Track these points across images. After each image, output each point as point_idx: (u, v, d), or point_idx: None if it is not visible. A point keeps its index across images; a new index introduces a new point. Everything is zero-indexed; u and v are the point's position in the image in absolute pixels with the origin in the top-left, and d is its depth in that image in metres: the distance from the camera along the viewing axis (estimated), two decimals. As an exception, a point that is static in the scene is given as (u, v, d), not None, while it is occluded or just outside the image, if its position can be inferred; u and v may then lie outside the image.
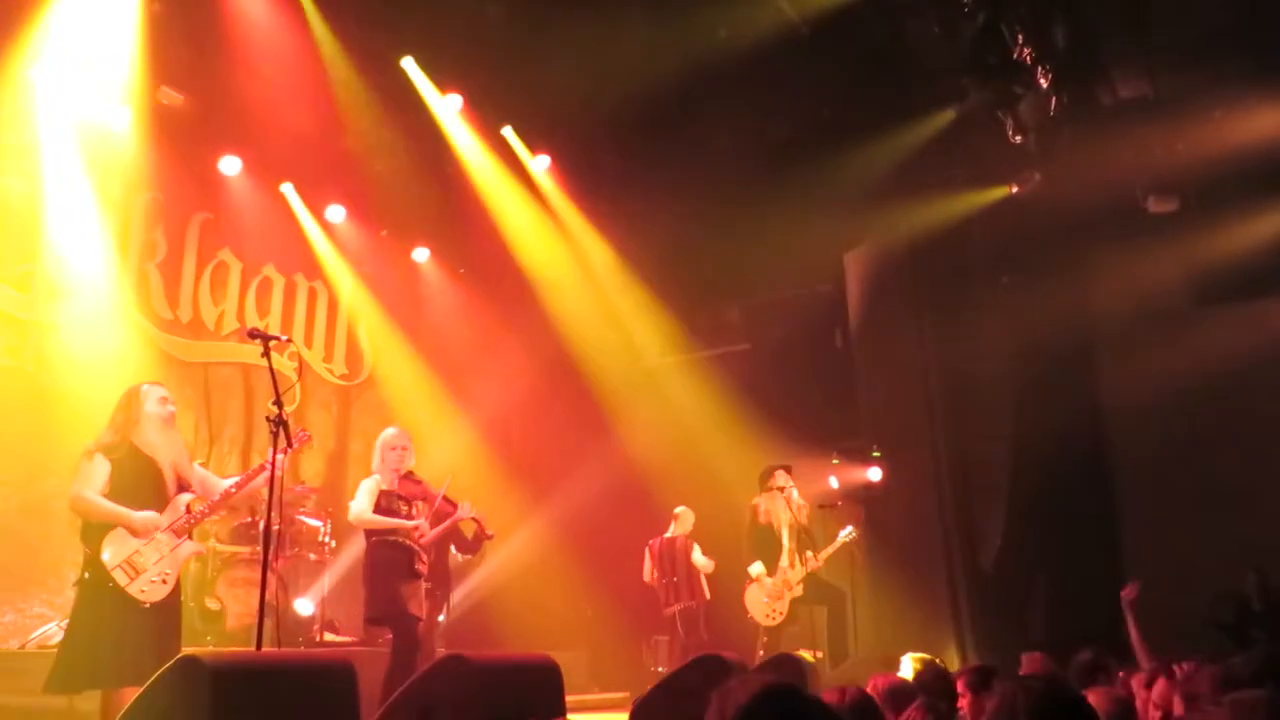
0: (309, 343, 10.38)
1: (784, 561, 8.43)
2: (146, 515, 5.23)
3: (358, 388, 10.78)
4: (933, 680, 4.65)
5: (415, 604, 6.53)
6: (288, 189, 9.98)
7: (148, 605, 5.15)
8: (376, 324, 10.84)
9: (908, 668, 4.82)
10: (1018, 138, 9.14)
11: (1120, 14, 8.24)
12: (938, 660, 5.04)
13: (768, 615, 8.35)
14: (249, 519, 7.92)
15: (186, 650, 4.64)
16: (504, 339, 11.40)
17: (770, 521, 8.50)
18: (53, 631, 7.34)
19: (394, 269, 10.96)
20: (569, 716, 4.54)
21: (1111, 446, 10.20)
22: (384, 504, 6.58)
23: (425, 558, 6.72)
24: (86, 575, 5.15)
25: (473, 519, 7.27)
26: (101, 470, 5.24)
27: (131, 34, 8.03)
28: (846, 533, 8.88)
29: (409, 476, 6.78)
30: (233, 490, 5.60)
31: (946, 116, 9.28)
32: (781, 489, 8.55)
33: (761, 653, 8.12)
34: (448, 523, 7.08)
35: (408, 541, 6.56)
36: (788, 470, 8.67)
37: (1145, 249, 9.63)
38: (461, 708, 4.12)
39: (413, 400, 10.73)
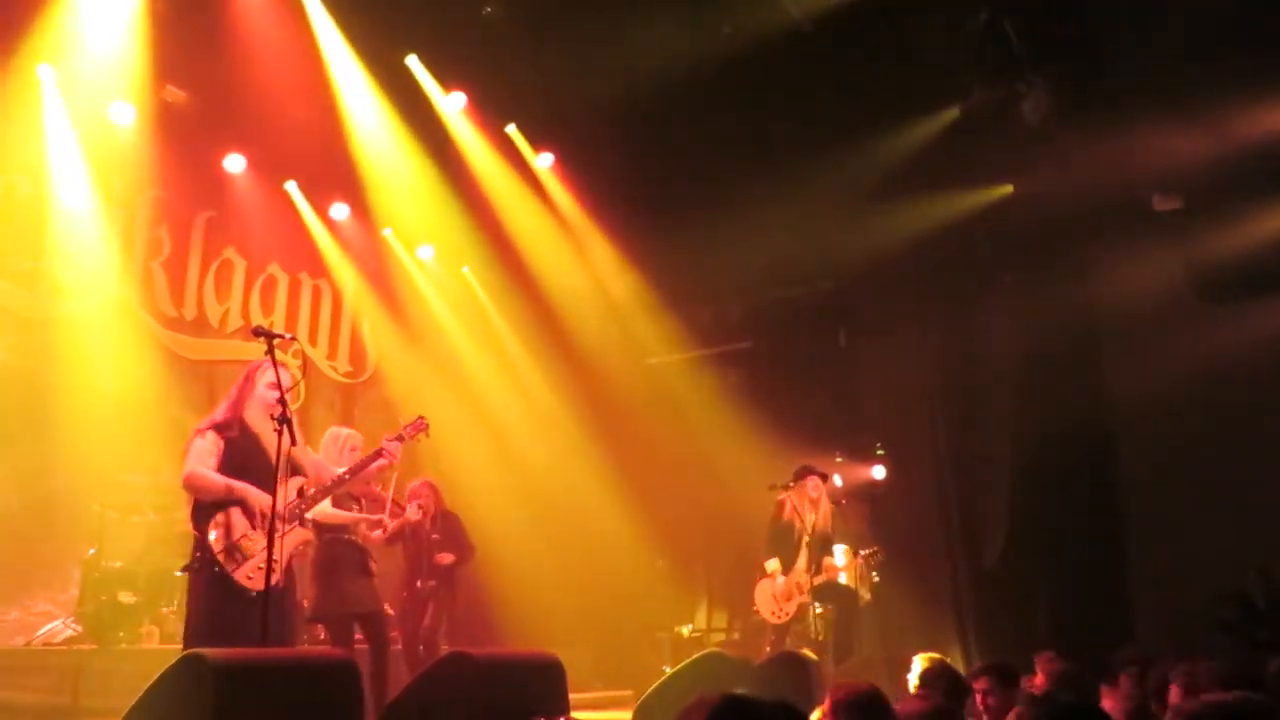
0: (313, 340, 10.39)
1: (800, 564, 8.30)
2: (265, 495, 4.92)
3: (361, 385, 10.80)
4: (940, 679, 4.65)
5: (371, 599, 6.46)
6: (292, 187, 9.99)
7: (254, 594, 4.85)
8: (380, 322, 10.86)
9: (918, 668, 4.81)
10: (1021, 136, 9.12)
11: (1124, 10, 8.23)
12: (946, 659, 5.02)
13: (774, 613, 8.28)
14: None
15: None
16: (507, 336, 11.40)
17: (794, 520, 8.35)
18: (58, 629, 7.37)
19: (398, 267, 10.97)
20: (572, 714, 4.55)
21: (1115, 444, 10.17)
22: (335, 501, 6.59)
23: (376, 555, 6.72)
24: (197, 556, 4.91)
25: (417, 521, 7.40)
26: (214, 448, 5.00)
27: (136, 32, 8.05)
28: (870, 554, 8.77)
29: None
30: (346, 476, 5.39)
31: (950, 114, 9.27)
32: (803, 481, 8.41)
33: (768, 649, 8.09)
34: (397, 523, 7.17)
35: (359, 539, 6.55)
36: (823, 477, 8.54)
37: (1149, 247, 9.60)
38: (465, 705, 4.12)
39: (416, 398, 10.73)
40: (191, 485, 5.00)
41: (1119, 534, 9.99)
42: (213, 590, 4.87)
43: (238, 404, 5.14)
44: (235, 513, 4.95)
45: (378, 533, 6.83)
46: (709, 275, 11.03)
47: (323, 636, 7.29)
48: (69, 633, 7.32)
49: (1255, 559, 8.51)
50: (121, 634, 7.22)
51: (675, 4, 8.35)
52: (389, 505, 7.05)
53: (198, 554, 4.93)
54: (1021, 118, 8.90)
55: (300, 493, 5.23)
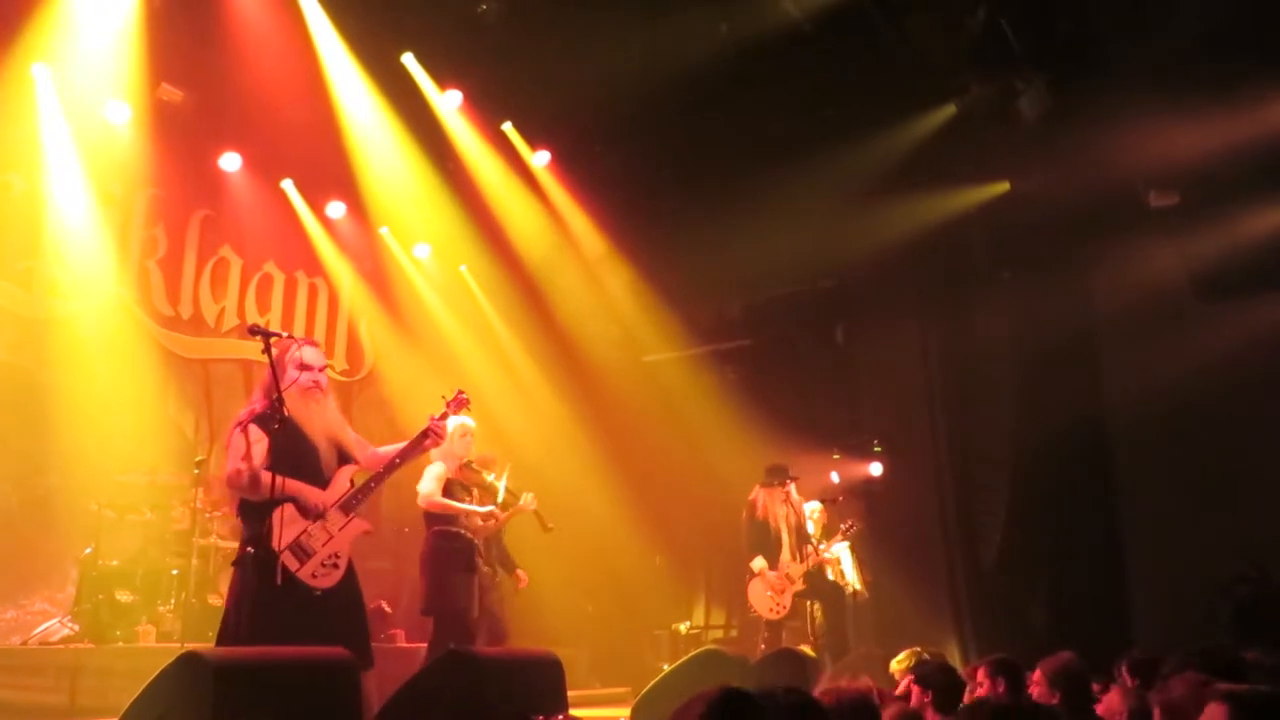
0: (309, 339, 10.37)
1: (785, 556, 8.43)
2: (320, 491, 4.84)
3: (359, 384, 10.78)
4: (933, 674, 4.64)
5: (469, 597, 6.44)
6: (288, 185, 9.97)
7: (319, 593, 4.74)
8: (377, 320, 10.84)
9: (903, 665, 4.81)
10: (1018, 133, 9.13)
11: (1121, 8, 8.23)
12: (926, 654, 5.02)
13: (771, 609, 8.35)
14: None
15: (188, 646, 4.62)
16: (504, 335, 11.39)
17: (768, 517, 8.50)
18: (55, 628, 7.36)
19: (394, 265, 10.95)
20: (571, 712, 4.54)
21: (1113, 442, 10.19)
22: (447, 491, 6.54)
23: (484, 551, 6.68)
24: (250, 551, 4.70)
25: (534, 511, 7.18)
26: (261, 442, 4.77)
27: (131, 31, 8.02)
28: (846, 528, 8.89)
29: (468, 465, 6.77)
30: (397, 460, 5.15)
31: (948, 112, 9.26)
32: (783, 485, 8.54)
33: (763, 647, 8.12)
34: (508, 514, 7.08)
35: (468, 534, 6.52)
36: (789, 474, 8.63)
37: (1146, 244, 9.61)
38: (464, 703, 4.12)
39: (414, 396, 10.71)
40: (238, 484, 4.78)
41: (1117, 532, 10.00)
42: (272, 588, 4.61)
43: (272, 389, 4.86)
44: (290, 509, 4.74)
45: (491, 522, 6.76)
46: (707, 272, 11.02)
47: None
48: (66, 631, 7.30)
49: (1253, 556, 8.53)
50: (118, 633, 7.21)
51: (673, 2, 8.33)
52: (503, 493, 6.99)
53: (249, 549, 4.72)
54: (1019, 115, 8.90)
55: (352, 482, 5.06)
